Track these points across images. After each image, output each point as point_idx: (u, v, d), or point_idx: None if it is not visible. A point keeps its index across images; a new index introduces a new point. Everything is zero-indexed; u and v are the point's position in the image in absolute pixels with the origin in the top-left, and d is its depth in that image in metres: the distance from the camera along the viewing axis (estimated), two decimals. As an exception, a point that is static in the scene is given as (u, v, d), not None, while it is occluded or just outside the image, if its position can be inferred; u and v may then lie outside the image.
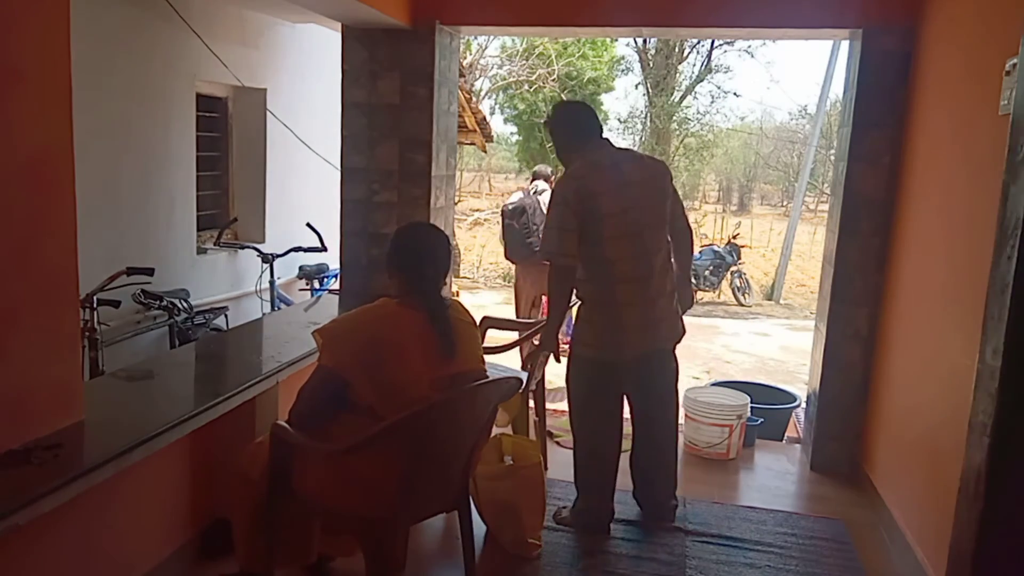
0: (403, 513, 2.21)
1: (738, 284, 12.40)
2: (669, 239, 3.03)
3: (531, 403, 3.55)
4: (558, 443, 4.04)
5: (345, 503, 2.19)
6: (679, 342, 3.10)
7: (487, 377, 2.29)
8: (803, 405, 4.42)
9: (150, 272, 3.85)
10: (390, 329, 2.19)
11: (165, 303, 4.18)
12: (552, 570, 2.81)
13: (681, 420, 3.43)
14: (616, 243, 2.85)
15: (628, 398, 3.09)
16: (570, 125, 3.02)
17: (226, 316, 4.76)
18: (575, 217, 2.81)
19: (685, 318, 3.17)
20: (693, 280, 11.23)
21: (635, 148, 16.10)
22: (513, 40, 15.98)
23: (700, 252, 12.52)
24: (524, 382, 3.30)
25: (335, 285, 5.47)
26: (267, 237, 5.48)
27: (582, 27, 4.12)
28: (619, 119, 19.11)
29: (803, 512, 3.37)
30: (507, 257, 6.05)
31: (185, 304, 4.38)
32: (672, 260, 3.05)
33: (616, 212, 2.84)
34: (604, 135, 3.04)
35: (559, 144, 3.06)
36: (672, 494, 3.22)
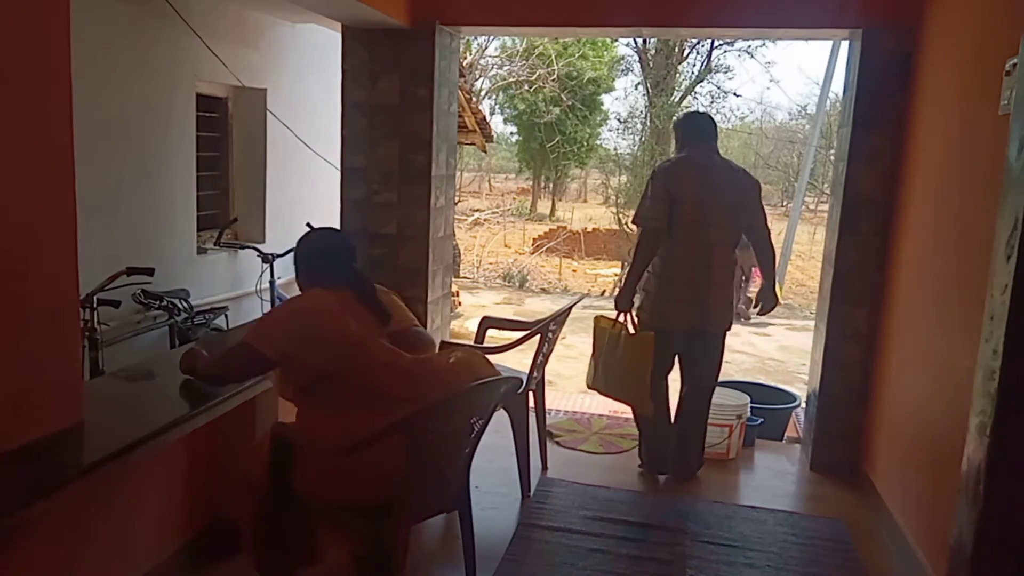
0: (402, 510, 2.21)
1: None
2: (746, 244, 3.55)
3: (531, 402, 3.54)
4: (558, 443, 4.04)
5: (345, 500, 2.19)
6: (728, 329, 3.54)
7: (421, 331, 2.43)
8: (803, 405, 4.42)
9: (150, 272, 3.85)
10: (325, 308, 2.23)
11: (165, 303, 4.18)
12: (552, 570, 2.81)
13: None
14: (685, 228, 3.35)
15: (680, 367, 3.58)
16: (686, 127, 3.58)
17: (226, 316, 4.76)
18: (664, 192, 3.34)
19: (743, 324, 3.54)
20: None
21: (637, 149, 16.10)
22: (513, 40, 15.98)
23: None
24: (524, 381, 3.31)
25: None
26: (267, 237, 5.48)
27: (582, 27, 4.12)
28: (619, 119, 19.12)
29: (803, 512, 3.37)
30: None
31: (185, 304, 4.38)
32: (738, 261, 3.63)
33: (690, 201, 3.34)
34: (714, 144, 3.52)
35: (676, 140, 3.63)
36: (697, 459, 3.63)
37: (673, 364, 3.56)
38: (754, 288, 12.04)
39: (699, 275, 3.37)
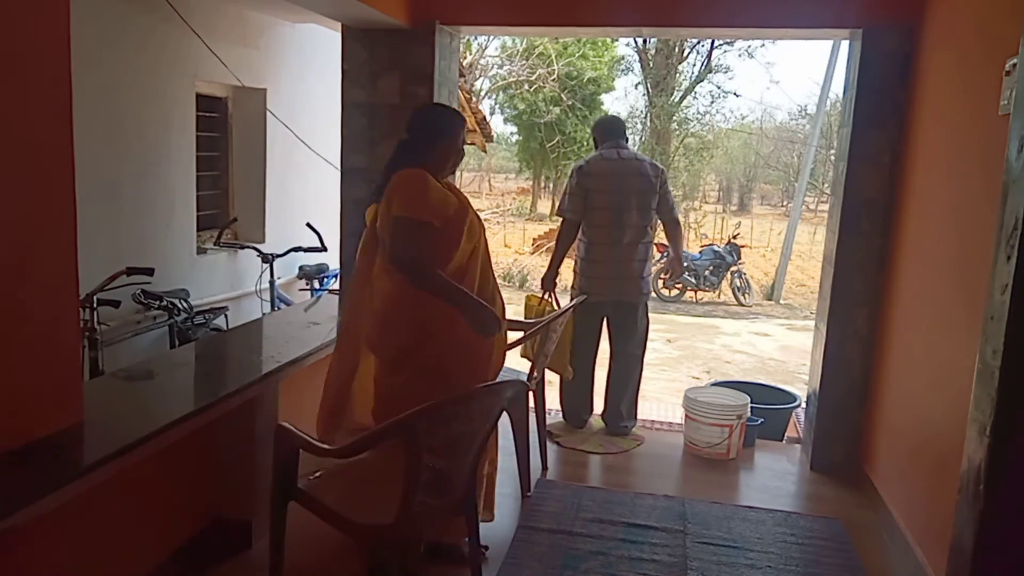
0: (407, 515, 2.20)
1: (738, 284, 12.40)
2: (657, 224, 4.18)
3: (531, 402, 3.55)
4: (558, 443, 4.04)
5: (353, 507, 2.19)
6: (647, 299, 4.15)
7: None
8: (803, 405, 4.42)
9: (150, 272, 3.85)
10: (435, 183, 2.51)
11: (165, 303, 4.18)
12: (553, 573, 2.81)
13: (681, 420, 3.66)
14: (600, 214, 4.01)
15: (609, 339, 4.18)
16: (598, 130, 4.27)
17: (226, 316, 4.76)
18: (579, 188, 4.02)
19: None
20: (693, 280, 11.84)
21: (637, 149, 16.12)
22: (513, 40, 15.98)
23: (700, 252, 12.55)
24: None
25: (335, 285, 5.47)
26: (267, 237, 5.48)
27: (582, 27, 4.12)
28: (619, 119, 19.07)
29: (803, 512, 3.37)
30: None
31: (185, 304, 4.38)
32: (651, 240, 4.14)
33: (603, 192, 3.99)
34: (622, 141, 4.13)
35: (594, 141, 4.30)
36: (628, 414, 4.21)
37: (601, 333, 4.15)
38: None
39: (615, 253, 4.00)
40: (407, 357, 2.46)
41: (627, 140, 4.20)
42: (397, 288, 2.45)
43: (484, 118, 8.71)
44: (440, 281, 2.42)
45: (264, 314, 4.73)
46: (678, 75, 16.16)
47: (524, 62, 15.53)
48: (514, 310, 6.06)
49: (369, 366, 2.57)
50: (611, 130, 4.16)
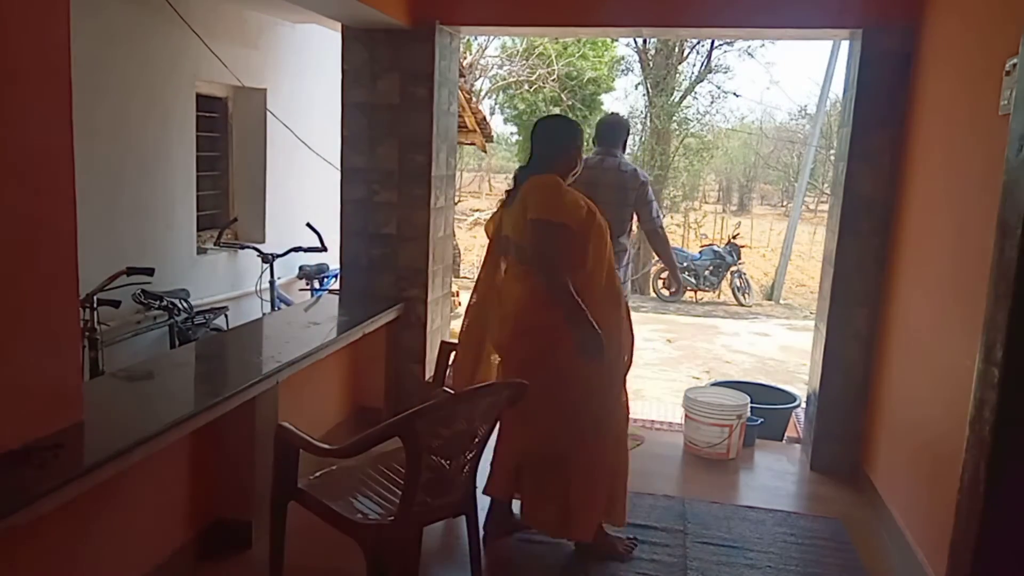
0: (406, 514, 2.21)
1: (738, 284, 12.40)
2: (632, 234, 4.13)
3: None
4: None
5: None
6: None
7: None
8: (803, 405, 4.42)
9: (150, 272, 3.85)
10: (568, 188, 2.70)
11: (165, 303, 4.18)
12: (553, 571, 2.81)
13: (681, 420, 3.58)
14: None
15: None
16: (595, 131, 4.12)
17: (226, 316, 4.76)
18: None
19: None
20: (693, 280, 11.87)
21: (637, 149, 16.12)
22: (513, 40, 15.96)
23: (700, 252, 12.56)
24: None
25: (335, 285, 5.47)
26: (267, 237, 5.48)
27: (582, 27, 4.12)
28: (619, 119, 19.06)
29: (803, 512, 3.37)
30: None
31: (185, 304, 4.38)
32: (625, 250, 4.01)
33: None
34: (611, 147, 3.98)
35: (592, 140, 4.15)
36: None
37: None
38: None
39: None
40: (534, 365, 2.60)
41: (623, 146, 4.10)
42: (528, 292, 2.61)
43: (484, 118, 8.70)
44: (567, 290, 2.53)
45: (264, 314, 4.73)
46: (678, 75, 16.13)
47: (524, 62, 15.51)
48: (514, 310, 6.09)
49: (491, 369, 2.78)
50: (604, 136, 4.07)
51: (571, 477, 2.69)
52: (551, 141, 2.73)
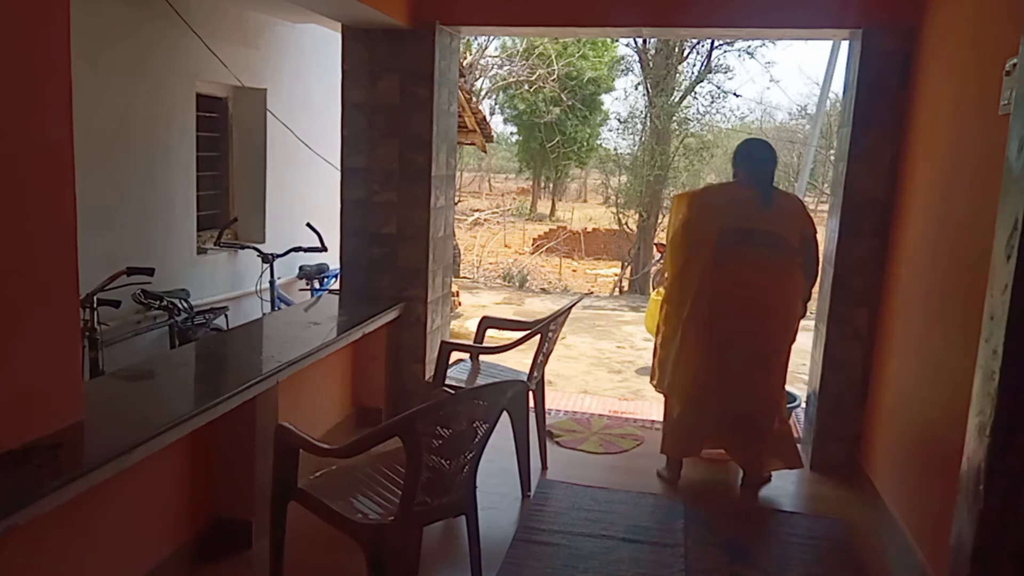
0: (406, 514, 2.21)
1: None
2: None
3: (531, 402, 3.54)
4: (558, 443, 4.04)
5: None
6: None
7: (783, 239, 3.34)
8: (803, 405, 4.42)
9: (150, 272, 3.85)
10: (709, 196, 3.59)
11: (165, 303, 4.18)
12: (552, 571, 2.81)
13: None
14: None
15: None
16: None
17: (226, 316, 4.76)
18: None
19: None
20: None
21: (637, 150, 16.08)
22: (513, 40, 15.97)
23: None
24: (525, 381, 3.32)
25: (335, 285, 5.47)
26: (267, 237, 5.48)
27: (582, 27, 4.12)
28: (619, 119, 19.09)
29: (803, 512, 3.37)
30: None
31: (185, 304, 4.38)
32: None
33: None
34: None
35: None
36: None
37: None
38: None
39: None
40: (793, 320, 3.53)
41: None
42: (795, 278, 3.40)
43: (484, 118, 8.70)
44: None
45: (264, 314, 4.73)
46: (678, 75, 16.13)
47: (524, 62, 15.51)
48: (513, 309, 6.05)
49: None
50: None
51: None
52: (775, 162, 3.45)
